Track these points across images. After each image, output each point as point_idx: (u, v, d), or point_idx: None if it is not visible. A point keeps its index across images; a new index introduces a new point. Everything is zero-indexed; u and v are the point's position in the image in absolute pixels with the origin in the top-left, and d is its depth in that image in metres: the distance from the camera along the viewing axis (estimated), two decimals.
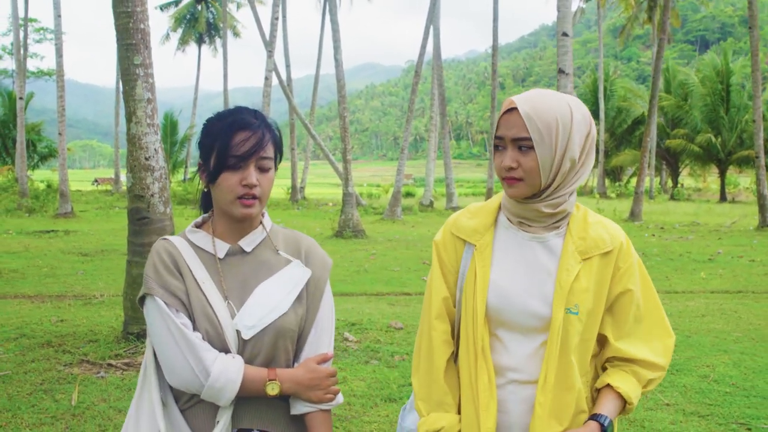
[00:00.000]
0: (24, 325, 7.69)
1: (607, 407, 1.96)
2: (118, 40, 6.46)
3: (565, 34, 15.83)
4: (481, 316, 2.00)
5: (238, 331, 1.94)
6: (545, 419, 1.94)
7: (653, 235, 21.56)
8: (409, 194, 50.65)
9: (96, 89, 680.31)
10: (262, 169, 1.99)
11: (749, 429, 4.84)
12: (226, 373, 1.87)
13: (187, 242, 2.05)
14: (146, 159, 6.51)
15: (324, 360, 2.04)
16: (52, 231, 20.51)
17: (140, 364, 6.01)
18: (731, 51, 56.59)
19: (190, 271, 1.97)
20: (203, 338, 1.91)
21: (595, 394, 2.05)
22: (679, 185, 58.62)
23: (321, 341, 2.08)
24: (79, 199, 35.60)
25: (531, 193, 1.96)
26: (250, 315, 1.95)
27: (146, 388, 2.00)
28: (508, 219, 2.07)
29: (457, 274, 2.10)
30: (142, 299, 1.98)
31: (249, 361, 1.95)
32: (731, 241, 19.89)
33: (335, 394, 2.05)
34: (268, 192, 2.03)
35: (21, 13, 34.38)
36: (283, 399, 2.02)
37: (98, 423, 4.79)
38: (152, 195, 6.55)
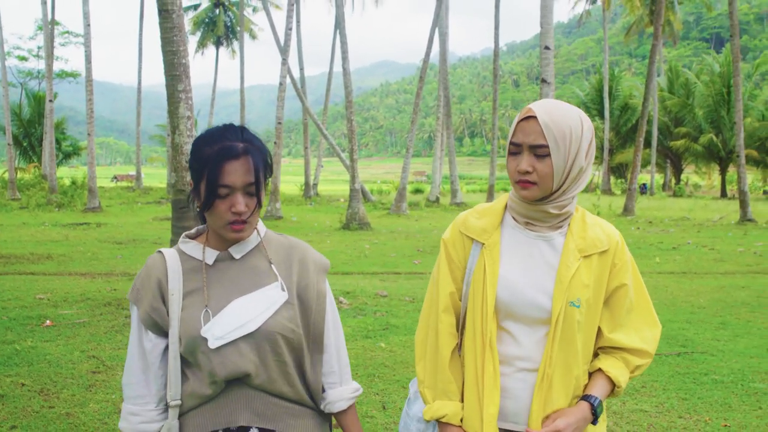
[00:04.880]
0: (85, 293, 9.68)
1: (597, 389, 2.11)
2: (165, 71, 8.45)
3: (547, 48, 17.65)
4: (491, 309, 2.10)
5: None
6: (542, 403, 2.06)
7: (638, 228, 23.33)
8: (418, 191, 52.51)
9: (111, 87, 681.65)
10: (249, 194, 2.03)
11: None
12: (128, 423, 2.04)
13: (178, 254, 2.12)
14: (186, 162, 8.47)
15: None
16: (85, 223, 22.50)
17: None
18: (746, 48, 57.76)
19: (175, 283, 2.04)
20: (181, 350, 2.01)
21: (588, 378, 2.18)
22: (682, 182, 60.14)
23: (339, 342, 2.25)
24: (103, 195, 37.62)
25: (542, 196, 2.07)
26: (220, 325, 1.99)
27: None
28: (514, 219, 2.18)
29: (464, 270, 2.20)
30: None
31: (230, 366, 2.00)
32: (709, 233, 21.59)
33: None
34: (258, 213, 2.08)
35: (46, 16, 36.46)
36: (284, 398, 2.10)
37: None
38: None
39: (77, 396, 5.29)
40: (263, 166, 2.05)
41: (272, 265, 2.14)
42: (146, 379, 2.03)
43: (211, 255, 2.10)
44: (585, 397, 2.09)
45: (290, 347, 2.07)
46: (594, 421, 2.09)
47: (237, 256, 2.11)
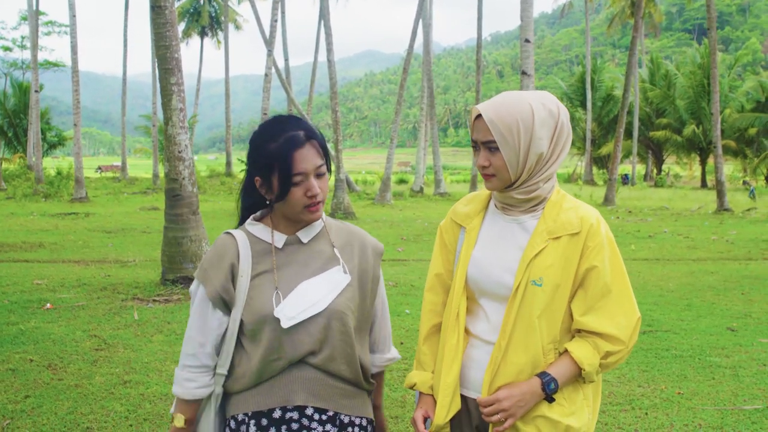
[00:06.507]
0: (81, 278, 10.05)
1: (557, 368, 2.14)
2: (158, 64, 8.83)
3: (527, 41, 18.06)
4: (460, 286, 2.25)
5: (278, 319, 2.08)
6: (492, 374, 2.16)
7: (617, 218, 23.83)
8: (403, 181, 52.73)
9: (94, 76, 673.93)
10: (319, 176, 2.14)
11: None
12: (184, 389, 2.16)
13: (246, 235, 2.21)
14: (179, 152, 8.85)
15: None
16: (74, 213, 22.75)
17: (177, 301, 8.37)
18: (729, 39, 58.64)
19: (246, 264, 2.14)
20: (248, 327, 2.13)
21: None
22: (663, 173, 60.87)
23: (385, 317, 2.42)
24: (89, 185, 37.69)
25: (504, 186, 2.19)
26: (291, 307, 2.09)
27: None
28: (495, 205, 2.31)
29: (454, 253, 2.35)
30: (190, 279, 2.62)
31: (298, 344, 2.12)
32: (685, 222, 22.11)
33: None
34: (326, 192, 2.17)
35: (31, 7, 36.57)
36: (339, 379, 2.20)
37: (156, 327, 7.18)
38: (183, 178, 8.91)
39: (83, 370, 5.70)
40: (324, 147, 2.17)
41: (335, 249, 2.25)
42: (207, 353, 2.15)
43: (279, 239, 2.20)
44: (539, 374, 2.13)
45: (351, 325, 2.19)
46: (548, 399, 2.13)
47: (305, 240, 2.22)
